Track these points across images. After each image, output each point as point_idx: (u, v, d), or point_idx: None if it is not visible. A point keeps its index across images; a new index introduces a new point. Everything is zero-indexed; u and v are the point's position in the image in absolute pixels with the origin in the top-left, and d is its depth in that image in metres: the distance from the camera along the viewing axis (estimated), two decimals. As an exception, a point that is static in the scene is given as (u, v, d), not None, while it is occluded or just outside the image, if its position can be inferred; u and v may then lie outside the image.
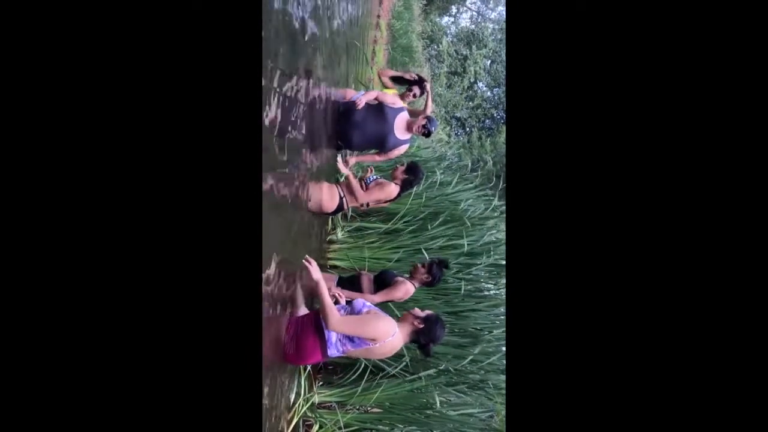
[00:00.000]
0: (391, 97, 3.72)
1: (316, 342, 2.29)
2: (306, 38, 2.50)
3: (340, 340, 2.28)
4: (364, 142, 3.77)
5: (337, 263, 4.05)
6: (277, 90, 1.99)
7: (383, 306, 3.14)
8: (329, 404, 3.15)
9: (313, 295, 2.89)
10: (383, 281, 3.11)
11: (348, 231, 4.37)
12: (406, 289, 3.03)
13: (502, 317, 3.78)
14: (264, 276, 1.94)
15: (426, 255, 3.92)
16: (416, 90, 4.06)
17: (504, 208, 4.73)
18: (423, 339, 2.32)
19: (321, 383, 3.31)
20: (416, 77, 4.15)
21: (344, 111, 3.71)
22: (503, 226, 4.51)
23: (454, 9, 23.73)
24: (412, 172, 3.56)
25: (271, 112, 1.92)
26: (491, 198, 5.06)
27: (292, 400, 2.85)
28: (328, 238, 4.18)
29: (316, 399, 3.08)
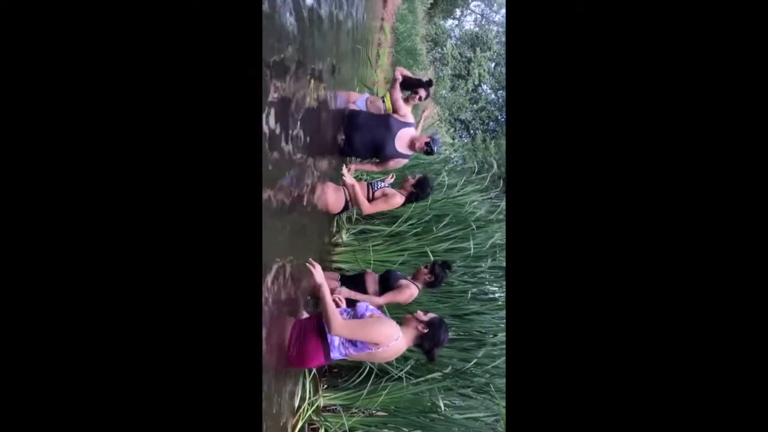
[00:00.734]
0: (405, 109, 3.71)
1: (319, 345, 2.29)
2: (308, 39, 2.50)
3: (342, 343, 2.28)
4: (363, 147, 3.77)
5: (343, 266, 4.05)
6: (278, 92, 2.00)
7: (387, 306, 3.14)
8: (334, 407, 3.15)
9: (315, 297, 2.89)
10: (387, 283, 3.11)
11: (353, 234, 4.37)
12: (410, 292, 3.03)
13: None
14: (266, 279, 1.94)
15: (431, 257, 3.92)
16: (422, 92, 3.99)
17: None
18: (427, 344, 2.31)
19: (326, 386, 3.30)
20: (425, 80, 4.09)
21: (349, 114, 3.72)
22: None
23: (458, 12, 23.78)
24: (421, 187, 3.53)
25: (272, 114, 1.92)
26: (496, 201, 5.05)
27: (297, 404, 2.85)
28: (332, 241, 4.18)
29: (321, 402, 3.08)
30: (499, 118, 19.59)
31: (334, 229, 4.26)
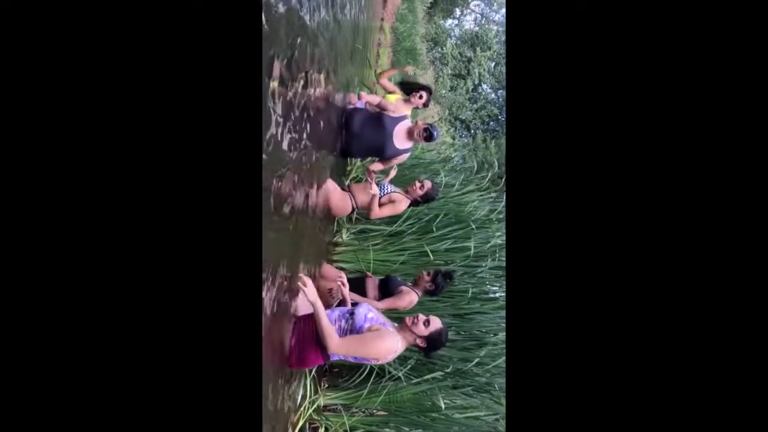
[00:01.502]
0: (393, 104, 3.70)
1: (318, 351, 2.28)
2: (308, 41, 2.50)
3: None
4: (362, 152, 3.78)
5: (343, 265, 4.05)
6: (278, 93, 2.00)
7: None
8: (335, 407, 3.15)
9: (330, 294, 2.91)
10: (388, 288, 3.11)
11: (353, 233, 4.38)
12: (410, 299, 3.06)
13: (508, 319, 3.76)
14: (265, 281, 1.94)
15: (431, 256, 3.92)
16: (425, 95, 3.90)
17: (509, 209, 4.69)
18: (425, 353, 2.35)
19: (326, 386, 3.30)
20: (423, 85, 4.04)
21: (346, 118, 3.71)
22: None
23: (457, 12, 23.76)
24: (426, 199, 3.56)
25: (272, 116, 1.93)
26: (496, 200, 5.05)
27: (297, 403, 2.85)
28: (333, 240, 4.18)
29: (322, 402, 3.08)
30: (499, 117, 19.57)
31: (335, 229, 4.26)
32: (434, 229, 4.28)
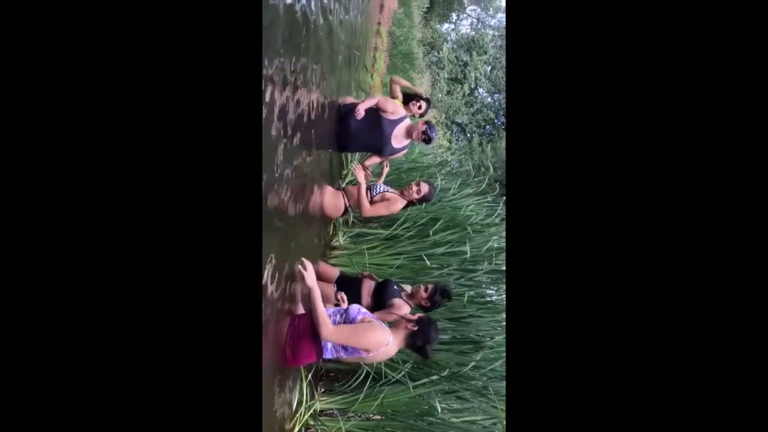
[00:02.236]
0: (392, 105, 3.72)
1: (312, 345, 2.30)
2: (306, 43, 2.51)
3: (334, 346, 2.29)
4: (360, 149, 3.81)
5: (340, 268, 4.04)
6: (278, 94, 2.00)
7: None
8: (331, 411, 3.13)
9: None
10: (381, 296, 3.05)
11: (349, 237, 4.37)
12: (401, 313, 3.02)
13: (504, 323, 3.76)
14: (264, 281, 1.94)
15: (428, 262, 3.91)
16: (423, 104, 4.05)
17: (505, 214, 4.72)
18: (418, 341, 2.32)
19: (323, 390, 3.29)
20: (423, 96, 4.18)
21: (343, 117, 3.70)
22: (505, 232, 4.49)
23: (454, 16, 23.84)
24: (424, 200, 3.53)
25: (271, 117, 1.92)
26: (493, 204, 5.05)
27: (294, 408, 2.83)
28: (330, 243, 4.18)
29: (318, 406, 3.06)
30: (496, 121, 19.63)
31: (331, 232, 4.26)
32: (431, 233, 4.27)
